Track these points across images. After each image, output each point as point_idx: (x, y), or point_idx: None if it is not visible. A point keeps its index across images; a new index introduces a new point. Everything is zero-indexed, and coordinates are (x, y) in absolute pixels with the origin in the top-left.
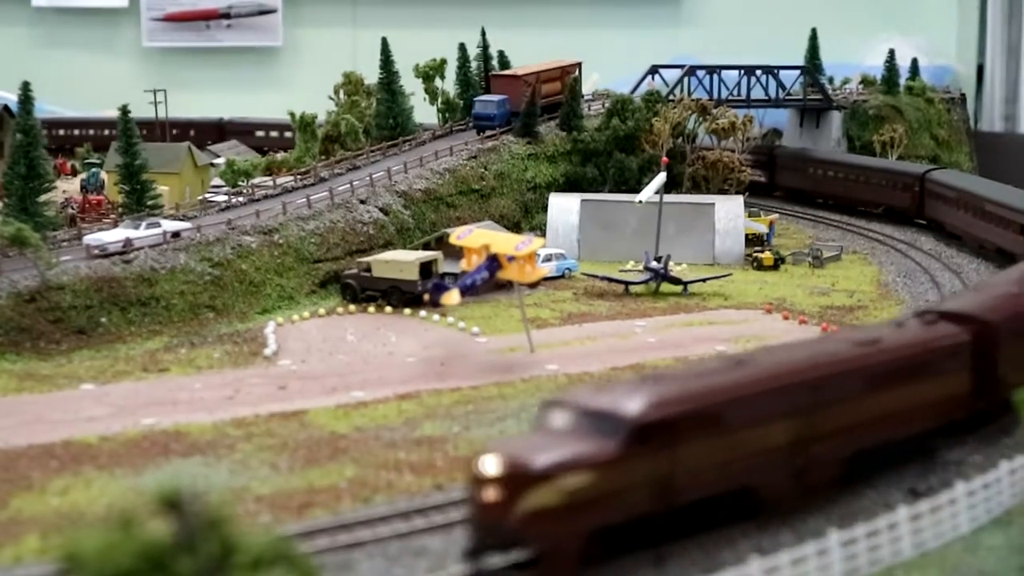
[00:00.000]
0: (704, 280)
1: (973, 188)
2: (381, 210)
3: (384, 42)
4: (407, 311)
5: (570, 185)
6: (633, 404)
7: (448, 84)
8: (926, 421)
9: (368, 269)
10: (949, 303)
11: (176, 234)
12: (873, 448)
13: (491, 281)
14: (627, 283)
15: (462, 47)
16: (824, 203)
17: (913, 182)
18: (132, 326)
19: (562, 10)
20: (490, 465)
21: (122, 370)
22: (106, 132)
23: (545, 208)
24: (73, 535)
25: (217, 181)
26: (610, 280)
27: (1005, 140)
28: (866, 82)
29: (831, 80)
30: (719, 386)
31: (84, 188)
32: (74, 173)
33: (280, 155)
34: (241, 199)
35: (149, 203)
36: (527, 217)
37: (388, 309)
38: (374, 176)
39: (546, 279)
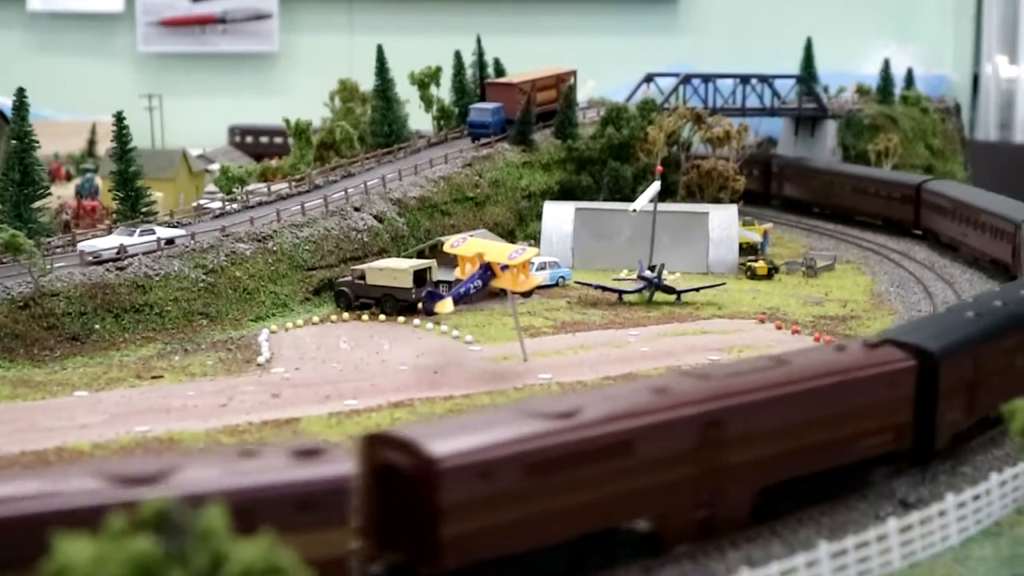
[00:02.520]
0: (697, 289)
1: None
2: (376, 217)
3: (379, 49)
4: (401, 319)
5: (565, 193)
6: None
7: (444, 91)
8: None
9: (362, 277)
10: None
11: (170, 241)
12: None
13: (485, 290)
14: (621, 292)
15: (457, 55)
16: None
17: (1015, 231)
18: (126, 333)
19: (558, 17)
20: None
21: (115, 377)
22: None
23: (539, 216)
24: (63, 545)
25: (211, 187)
26: (604, 289)
27: (1000, 149)
28: (861, 91)
29: (826, 89)
30: None
31: (79, 194)
32: (68, 178)
33: (275, 162)
34: (235, 206)
35: (143, 210)
36: (521, 225)
37: (382, 317)
38: (369, 183)
39: (540, 288)
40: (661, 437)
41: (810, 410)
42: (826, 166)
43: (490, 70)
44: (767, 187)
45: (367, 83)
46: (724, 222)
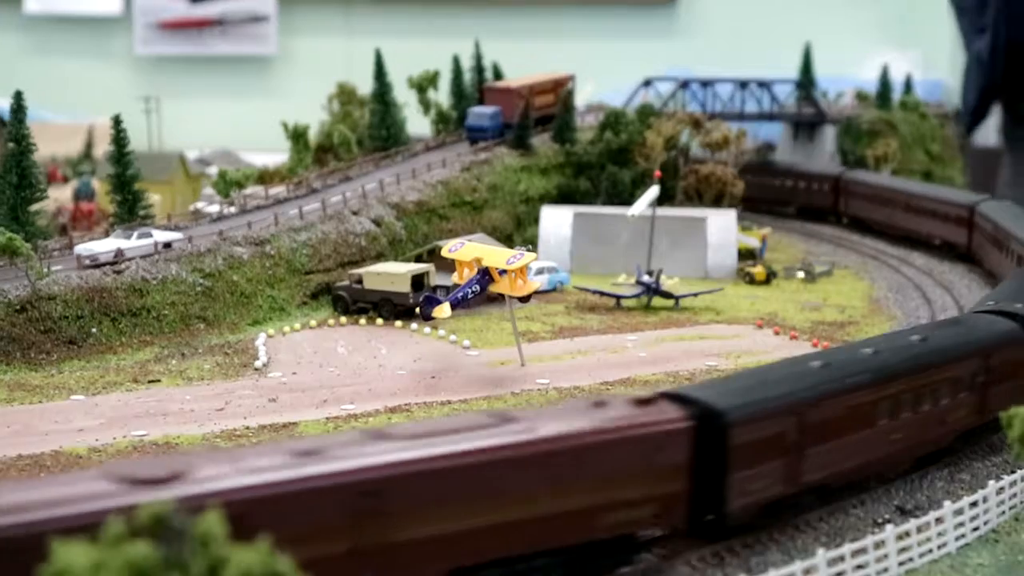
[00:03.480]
0: (695, 295)
1: None
2: (374, 222)
3: (378, 54)
4: (398, 323)
5: (563, 198)
6: None
7: (442, 95)
8: None
9: (360, 281)
10: None
11: (168, 244)
12: None
13: (483, 294)
14: (619, 297)
15: (456, 59)
16: None
17: None
18: (123, 337)
19: (557, 21)
20: None
21: (112, 381)
22: None
23: (537, 220)
24: (61, 549)
25: (208, 190)
26: (602, 294)
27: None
28: (860, 96)
29: (825, 94)
30: None
31: (76, 196)
32: (65, 181)
33: (272, 166)
34: (233, 209)
35: (141, 213)
36: (519, 229)
37: (379, 321)
38: (366, 187)
39: (538, 292)
40: (290, 509)
41: (527, 479)
42: (890, 182)
43: (488, 74)
44: (835, 204)
45: (365, 87)
46: (722, 227)
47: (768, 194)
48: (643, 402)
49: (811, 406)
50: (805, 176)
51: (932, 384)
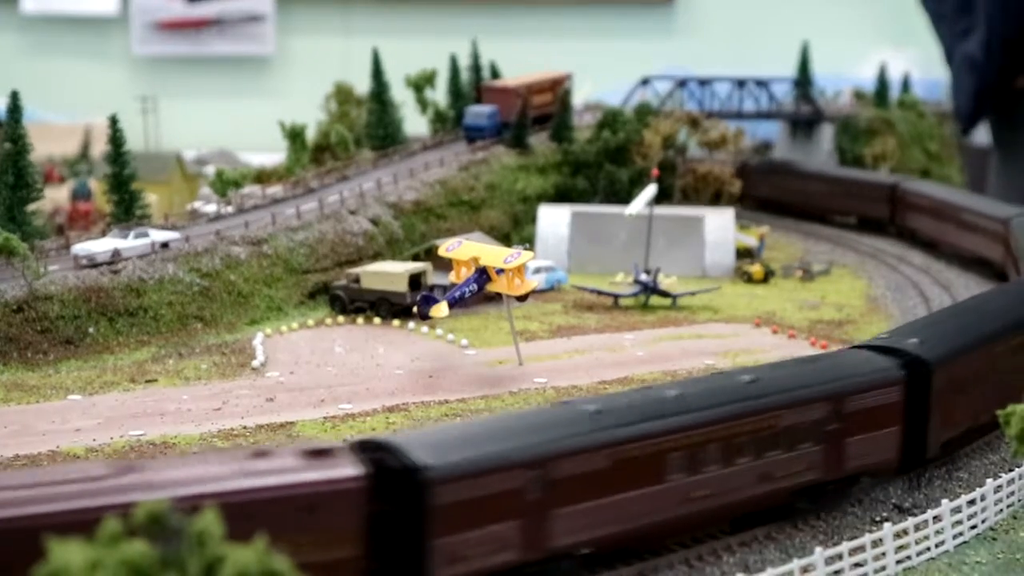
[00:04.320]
0: (693, 293)
1: None
2: (371, 221)
3: (375, 53)
4: (396, 323)
5: (560, 197)
6: None
7: (439, 94)
8: None
9: (357, 280)
10: None
11: (165, 244)
12: None
13: (480, 293)
14: (617, 296)
15: (453, 58)
16: None
17: None
18: (120, 336)
19: (554, 20)
20: None
21: (109, 381)
22: None
23: (535, 220)
24: (58, 549)
25: (206, 190)
26: (599, 293)
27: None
28: (858, 95)
29: (822, 93)
30: None
31: (73, 197)
32: (62, 181)
33: (269, 165)
34: (230, 209)
35: (138, 213)
36: (517, 228)
37: (377, 321)
38: (364, 187)
39: (535, 291)
40: None
41: None
42: (948, 194)
43: (486, 73)
44: (892, 216)
45: (362, 86)
46: (720, 226)
47: (816, 201)
48: (315, 453)
49: (560, 459)
50: (858, 184)
51: (753, 434)
